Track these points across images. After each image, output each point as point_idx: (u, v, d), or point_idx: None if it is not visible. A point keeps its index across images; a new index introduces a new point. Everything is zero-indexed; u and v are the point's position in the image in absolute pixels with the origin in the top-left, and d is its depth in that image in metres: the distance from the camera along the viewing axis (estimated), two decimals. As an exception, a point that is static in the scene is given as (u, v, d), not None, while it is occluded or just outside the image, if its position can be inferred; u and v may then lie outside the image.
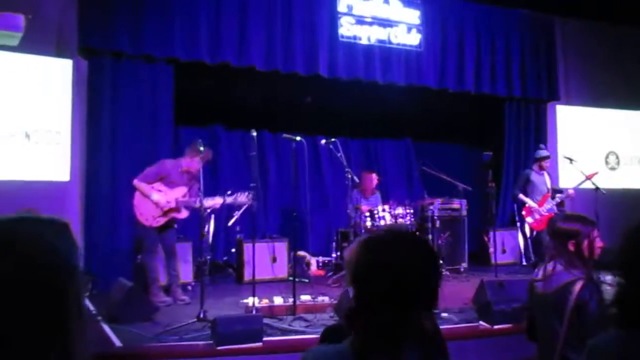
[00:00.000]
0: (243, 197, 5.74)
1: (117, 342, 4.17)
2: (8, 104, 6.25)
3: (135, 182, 5.72)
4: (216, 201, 5.71)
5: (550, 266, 2.76)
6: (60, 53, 6.52)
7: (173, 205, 5.71)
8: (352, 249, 2.20)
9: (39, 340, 0.82)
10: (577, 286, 2.56)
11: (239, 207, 5.90)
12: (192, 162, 5.71)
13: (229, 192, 7.29)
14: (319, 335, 4.30)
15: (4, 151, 6.21)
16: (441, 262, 7.53)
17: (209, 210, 6.22)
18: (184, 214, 5.83)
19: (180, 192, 5.79)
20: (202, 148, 5.27)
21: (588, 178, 7.49)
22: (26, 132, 6.35)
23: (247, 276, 6.79)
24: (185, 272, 6.56)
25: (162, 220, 5.71)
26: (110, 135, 6.62)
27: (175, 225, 5.96)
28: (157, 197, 5.65)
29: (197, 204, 5.43)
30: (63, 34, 6.53)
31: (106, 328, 4.54)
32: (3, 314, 0.79)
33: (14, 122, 6.28)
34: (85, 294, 0.90)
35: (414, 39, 8.12)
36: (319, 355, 1.39)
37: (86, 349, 0.90)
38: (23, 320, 0.81)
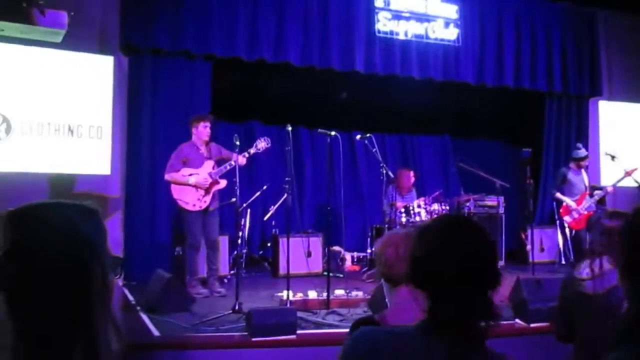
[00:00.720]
0: (262, 143, 5.95)
1: (156, 332, 4.28)
2: (52, 100, 6.46)
3: (167, 177, 5.87)
4: (240, 160, 5.67)
5: (596, 265, 2.70)
6: (102, 50, 6.70)
7: (210, 180, 5.85)
8: (382, 242, 2.21)
9: (62, 312, 0.86)
10: None
11: (261, 152, 6.01)
12: (198, 132, 5.90)
13: (264, 187, 7.42)
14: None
15: (50, 145, 6.43)
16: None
17: (244, 205, 6.33)
18: (223, 183, 5.97)
19: (208, 166, 5.95)
20: (237, 142, 5.37)
21: (628, 174, 7.29)
22: (70, 127, 6.55)
23: (282, 270, 6.85)
24: (222, 265, 6.65)
25: (208, 199, 5.85)
26: (150, 130, 6.76)
27: (217, 208, 6.07)
28: (195, 180, 5.80)
29: (229, 166, 5.72)
30: (105, 31, 6.71)
31: (145, 318, 4.66)
32: (31, 284, 0.84)
33: (58, 117, 6.49)
34: (113, 276, 0.94)
35: (451, 34, 8.03)
36: (382, 335, 1.39)
37: (108, 323, 0.94)
38: (48, 290, 0.85)
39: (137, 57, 6.80)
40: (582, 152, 7.68)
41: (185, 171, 5.84)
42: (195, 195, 5.82)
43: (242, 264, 6.90)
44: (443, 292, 1.33)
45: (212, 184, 5.89)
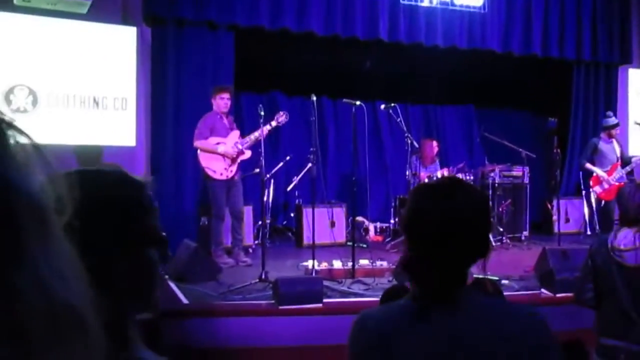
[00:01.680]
0: (282, 117, 5.95)
1: (185, 300, 4.36)
2: (77, 72, 6.50)
3: (197, 143, 5.91)
4: (264, 130, 5.69)
5: (631, 235, 2.68)
6: (125, 21, 6.70)
7: (237, 150, 5.90)
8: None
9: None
10: None
11: (281, 125, 6.04)
12: (217, 103, 5.95)
13: (287, 158, 7.44)
14: (378, 298, 4.37)
15: (75, 117, 6.49)
16: (501, 229, 7.43)
17: (268, 176, 6.37)
18: (248, 154, 6.03)
19: (234, 136, 6.00)
20: (262, 113, 5.38)
21: None
22: (95, 99, 6.59)
23: (306, 240, 6.91)
24: (247, 235, 6.73)
25: (234, 169, 5.92)
26: (174, 102, 6.79)
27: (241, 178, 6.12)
28: (224, 149, 5.85)
29: (255, 138, 5.81)
30: (128, 2, 6.70)
31: (173, 287, 4.75)
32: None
33: (83, 89, 6.53)
34: (154, 254, 0.95)
35: (477, 0, 7.85)
36: (380, 313, 1.40)
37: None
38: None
39: (160, 27, 6.79)
40: (613, 119, 7.52)
41: (213, 140, 5.88)
42: (223, 165, 5.88)
43: (266, 234, 6.97)
44: (427, 247, 1.31)
45: (238, 154, 5.93)
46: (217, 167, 5.88)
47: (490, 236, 1.33)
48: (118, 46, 6.66)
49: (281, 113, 6.01)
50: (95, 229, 0.85)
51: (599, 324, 2.84)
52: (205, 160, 5.89)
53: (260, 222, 6.85)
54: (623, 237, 2.74)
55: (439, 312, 1.28)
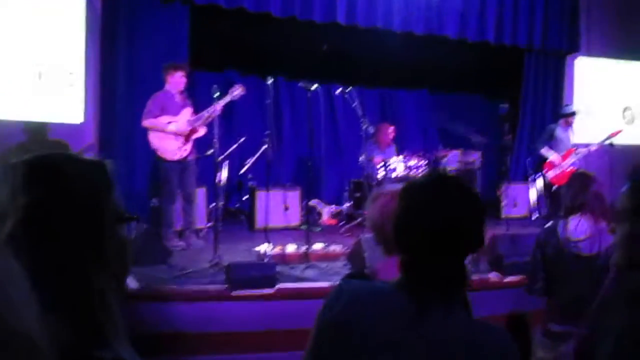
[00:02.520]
0: (238, 90, 5.69)
1: (135, 284, 4.26)
2: (20, 42, 6.16)
3: (146, 122, 5.70)
4: (217, 105, 5.43)
5: (584, 224, 2.74)
6: (74, -9, 6.41)
7: (190, 127, 5.74)
8: (374, 206, 2.17)
9: (79, 251, 0.86)
10: None
11: (237, 99, 5.87)
12: (175, 81, 5.78)
13: (241, 140, 7.34)
14: (331, 283, 4.39)
15: (16, 91, 6.17)
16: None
17: (221, 157, 6.26)
18: (202, 131, 5.88)
19: (187, 113, 5.83)
20: (218, 93, 5.27)
21: (612, 136, 7.38)
22: (39, 72, 6.29)
23: (259, 223, 6.86)
24: (199, 217, 6.62)
25: (188, 147, 5.76)
26: (126, 77, 6.58)
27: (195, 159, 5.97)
28: (175, 127, 5.69)
29: (207, 113, 5.63)
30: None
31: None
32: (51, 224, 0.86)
33: (26, 61, 6.21)
34: (126, 233, 0.95)
35: (434, -14, 7.87)
36: (365, 288, 1.37)
37: (108, 287, 0.93)
38: (67, 230, 0.86)
39: None
40: (571, 108, 7.74)
41: (164, 119, 5.70)
42: (175, 144, 5.71)
43: (219, 217, 6.88)
44: (420, 254, 1.30)
45: (191, 131, 5.78)
46: (170, 147, 5.71)
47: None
48: (65, 17, 6.35)
49: (236, 86, 5.72)
50: (69, 218, 0.87)
51: (549, 312, 2.91)
52: (156, 141, 5.71)
53: (213, 204, 6.75)
54: (574, 227, 2.80)
55: (431, 313, 1.27)
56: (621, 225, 1.34)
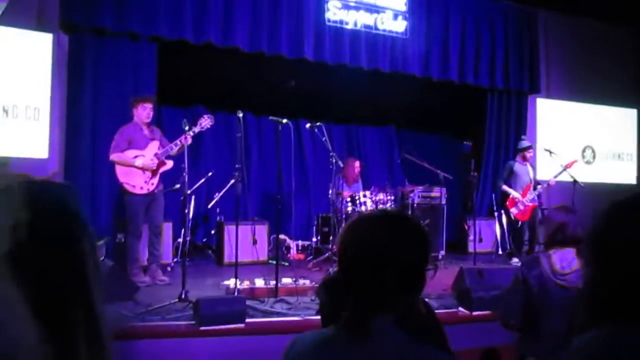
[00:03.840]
0: (206, 121, 5.70)
1: (98, 321, 4.13)
2: (-14, 78, 6.09)
3: (113, 157, 5.62)
4: (187, 136, 5.48)
5: (570, 257, 2.77)
6: (41, 27, 6.37)
7: (157, 161, 5.69)
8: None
9: (60, 291, 0.84)
10: None
11: (204, 130, 5.86)
12: (139, 113, 5.74)
13: (209, 174, 7.30)
14: (300, 318, 4.35)
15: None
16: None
17: (189, 192, 6.21)
18: (169, 164, 5.82)
19: (154, 147, 5.77)
20: (186, 128, 5.27)
21: (567, 167, 7.63)
22: (4, 107, 6.20)
23: (227, 258, 6.79)
24: (166, 252, 6.52)
25: (155, 181, 5.69)
26: (91, 113, 6.51)
27: (162, 192, 5.91)
28: (142, 161, 5.62)
29: (175, 146, 5.62)
30: (44, 7, 6.39)
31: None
32: (33, 258, 0.82)
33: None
34: (100, 257, 0.94)
35: (400, 25, 8.11)
36: (305, 342, 1.38)
37: (104, 308, 0.91)
38: (46, 266, 0.84)
39: (78, 35, 6.50)
40: (526, 142, 7.98)
41: (131, 153, 5.64)
42: (142, 178, 5.65)
43: (186, 252, 6.77)
44: (358, 279, 1.30)
45: (159, 165, 5.73)
46: (137, 182, 5.64)
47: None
48: (32, 53, 6.31)
49: (205, 117, 5.71)
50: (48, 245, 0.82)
51: (525, 344, 2.90)
52: (123, 175, 5.63)
53: (180, 239, 6.66)
54: (560, 260, 2.81)
55: (350, 341, 1.27)
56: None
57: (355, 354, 1.26)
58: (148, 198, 5.70)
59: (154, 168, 5.68)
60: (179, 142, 5.54)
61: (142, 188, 5.63)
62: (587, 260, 1.23)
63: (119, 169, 5.63)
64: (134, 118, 5.79)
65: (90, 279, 0.87)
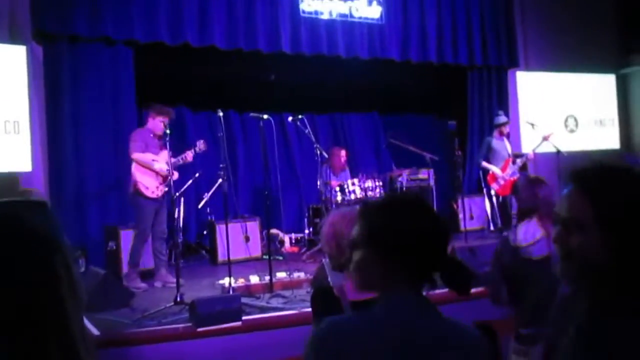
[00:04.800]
0: (202, 145, 5.98)
1: (95, 331, 4.14)
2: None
3: (135, 155, 5.69)
4: (187, 156, 5.92)
5: (532, 228, 2.83)
6: (13, 39, 6.30)
7: (169, 168, 5.72)
8: (330, 222, 2.22)
9: (33, 318, 0.84)
10: None
11: (200, 152, 6.05)
12: (155, 124, 5.78)
13: (197, 175, 7.29)
14: (297, 312, 4.37)
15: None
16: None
17: (177, 194, 6.22)
18: (175, 175, 5.87)
19: (166, 155, 5.78)
20: (168, 131, 5.27)
21: (545, 139, 7.69)
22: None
23: (221, 257, 6.80)
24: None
25: (163, 188, 5.75)
26: (72, 122, 6.46)
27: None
28: (159, 166, 5.68)
29: (182, 160, 5.87)
30: (15, 19, 6.32)
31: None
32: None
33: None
34: (77, 269, 0.95)
35: (375, 11, 8.10)
36: (345, 327, 1.37)
37: (82, 324, 0.92)
38: (14, 296, 0.84)
39: (52, 45, 6.43)
40: (502, 118, 8.02)
41: (149, 156, 5.67)
42: (155, 183, 5.70)
43: (180, 254, 6.78)
44: (399, 265, 1.35)
45: (168, 175, 5.78)
46: (150, 184, 5.70)
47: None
48: (6, 67, 6.24)
49: (201, 141, 5.96)
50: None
51: (517, 317, 2.97)
52: (139, 175, 5.69)
53: (172, 242, 6.65)
54: (523, 233, 2.88)
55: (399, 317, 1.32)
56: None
57: (403, 330, 1.31)
58: (157, 203, 5.74)
59: (165, 174, 5.73)
60: (180, 160, 5.81)
61: (153, 192, 5.69)
62: (608, 235, 1.17)
63: (136, 169, 5.70)
64: (148, 124, 5.80)
65: (63, 294, 0.88)
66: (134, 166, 5.70)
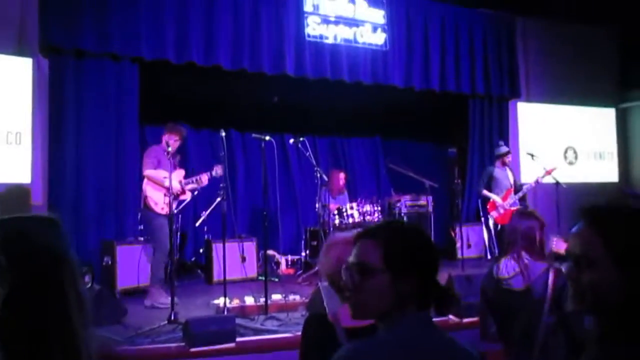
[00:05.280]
0: (219, 170, 5.94)
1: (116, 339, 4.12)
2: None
3: (148, 172, 5.75)
4: (202, 178, 6.03)
5: (512, 262, 2.85)
6: (20, 51, 6.34)
7: (181, 188, 5.86)
8: (328, 256, 2.18)
9: (38, 323, 0.85)
10: (551, 275, 2.68)
11: (218, 177, 6.04)
12: (167, 141, 5.78)
13: (195, 193, 7.28)
14: (291, 335, 4.34)
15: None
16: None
17: (175, 211, 6.22)
18: (188, 195, 5.95)
19: (179, 174, 5.93)
20: (169, 148, 5.30)
21: (548, 173, 7.70)
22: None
23: (216, 276, 6.77)
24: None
25: (173, 205, 5.71)
26: (74, 136, 6.48)
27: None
28: (169, 184, 5.64)
29: (195, 182, 5.97)
30: (24, 31, 6.36)
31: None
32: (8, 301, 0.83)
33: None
34: (83, 285, 0.96)
35: (379, 38, 8.19)
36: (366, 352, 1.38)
37: (89, 337, 0.93)
38: (25, 306, 0.85)
39: (59, 58, 6.47)
40: (504, 148, 8.04)
41: (162, 173, 5.68)
42: (164, 199, 5.69)
43: (175, 272, 6.75)
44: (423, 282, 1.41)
45: (180, 193, 5.89)
46: (160, 200, 5.73)
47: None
48: (12, 78, 6.29)
49: (219, 166, 5.94)
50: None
51: (506, 350, 2.96)
52: (150, 191, 5.74)
53: (168, 260, 6.62)
54: (504, 266, 2.90)
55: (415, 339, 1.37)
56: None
57: (420, 348, 1.36)
58: (166, 219, 5.72)
59: (177, 193, 5.80)
60: (194, 181, 5.91)
61: (162, 209, 5.70)
62: (619, 272, 1.18)
63: (147, 185, 5.74)
64: (162, 142, 5.83)
65: (70, 309, 0.89)
66: (145, 182, 5.76)
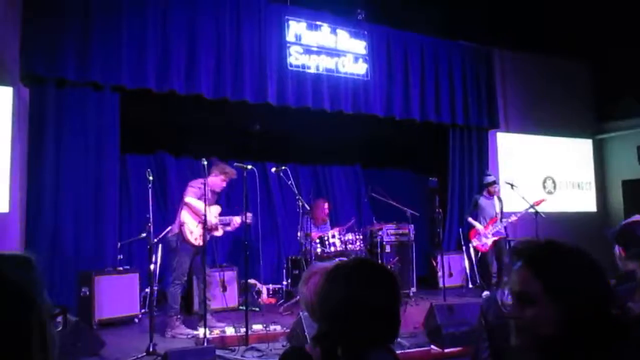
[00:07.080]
0: (251, 218, 5.92)
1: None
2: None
3: (189, 199, 5.73)
4: (234, 220, 6.04)
5: None
6: (1, 80, 6.31)
7: (216, 223, 5.87)
8: (307, 286, 2.18)
9: None
10: None
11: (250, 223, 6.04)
12: (216, 181, 5.84)
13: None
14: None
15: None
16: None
17: (155, 240, 6.15)
18: (220, 232, 5.93)
19: (216, 210, 5.93)
20: (150, 177, 5.23)
21: (535, 205, 7.77)
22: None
23: (196, 307, 6.66)
24: (132, 303, 6.37)
25: (206, 238, 5.65)
26: (54, 165, 6.41)
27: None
28: (208, 217, 5.63)
29: (229, 221, 6.02)
30: (4, 60, 6.34)
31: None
32: None
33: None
34: (54, 328, 0.94)
35: (360, 68, 8.31)
36: None
37: None
38: None
39: (40, 87, 6.43)
40: (490, 177, 8.15)
41: (202, 204, 5.61)
42: (199, 231, 5.63)
43: (154, 302, 6.64)
44: (331, 330, 1.39)
45: (214, 228, 5.87)
46: (194, 230, 5.70)
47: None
48: (-9, 107, 6.24)
49: (250, 214, 5.88)
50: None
51: None
52: (188, 217, 5.72)
53: (147, 290, 6.53)
54: (508, 292, 2.88)
55: None
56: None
57: None
58: (196, 249, 5.73)
59: (212, 228, 5.80)
60: (227, 219, 6.01)
61: (196, 239, 5.67)
62: (558, 307, 1.24)
63: (186, 212, 5.73)
64: (210, 177, 5.78)
65: (33, 353, 0.87)
66: (184, 209, 5.75)
